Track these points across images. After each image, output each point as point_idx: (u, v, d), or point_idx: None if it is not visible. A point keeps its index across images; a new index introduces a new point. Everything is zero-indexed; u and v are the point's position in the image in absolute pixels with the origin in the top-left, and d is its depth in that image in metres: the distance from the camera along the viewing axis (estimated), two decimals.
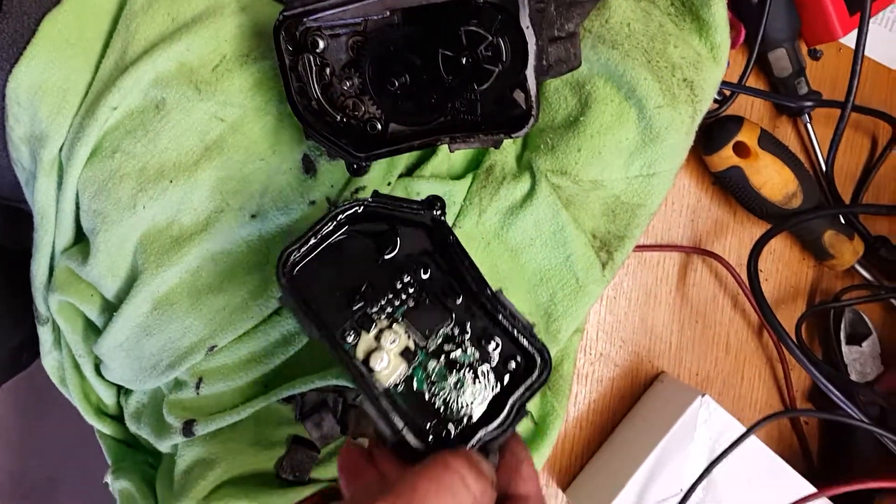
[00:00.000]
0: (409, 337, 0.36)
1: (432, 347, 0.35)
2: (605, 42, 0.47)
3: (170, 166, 0.44)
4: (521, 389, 0.35)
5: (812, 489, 0.48)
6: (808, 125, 0.58)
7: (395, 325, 0.35)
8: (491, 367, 0.35)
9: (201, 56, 0.43)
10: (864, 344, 0.57)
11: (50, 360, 0.52)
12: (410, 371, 0.35)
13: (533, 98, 0.38)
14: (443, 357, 0.35)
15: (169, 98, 0.43)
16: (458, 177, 0.49)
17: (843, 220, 0.58)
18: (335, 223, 0.36)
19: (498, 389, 0.35)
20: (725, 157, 0.53)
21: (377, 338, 0.35)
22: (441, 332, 0.36)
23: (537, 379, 0.35)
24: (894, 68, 0.62)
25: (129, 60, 0.43)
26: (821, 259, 0.58)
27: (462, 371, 0.35)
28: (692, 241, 0.58)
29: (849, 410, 0.49)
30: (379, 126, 0.43)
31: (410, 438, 0.33)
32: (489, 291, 0.35)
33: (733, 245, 0.59)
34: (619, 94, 0.46)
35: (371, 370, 0.34)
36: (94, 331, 0.49)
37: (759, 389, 0.58)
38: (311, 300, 0.35)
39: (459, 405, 0.35)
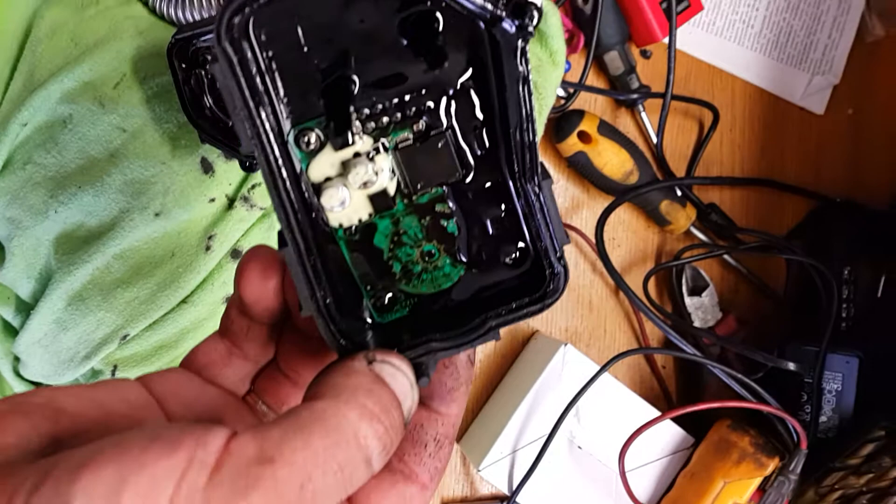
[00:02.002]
0: (392, 177, 0.25)
1: (419, 200, 0.26)
2: None
3: (78, 174, 0.50)
4: (509, 309, 0.25)
5: (657, 413, 0.59)
6: (642, 114, 0.71)
7: (380, 153, 0.25)
8: (482, 254, 0.27)
9: (103, 75, 0.50)
10: (704, 295, 0.69)
11: None
12: (374, 218, 0.25)
13: None
14: (427, 218, 0.26)
15: (75, 113, 0.49)
16: None
17: (678, 192, 0.70)
18: None
19: (478, 286, 0.27)
20: (572, 144, 0.64)
21: (347, 165, 0.24)
22: (439, 187, 0.26)
23: (531, 304, 0.26)
24: (711, 62, 0.75)
25: (37, 82, 0.49)
26: (661, 225, 0.70)
27: (444, 243, 0.26)
28: None
29: (689, 349, 0.61)
30: None
31: (326, 327, 0.24)
32: (537, 170, 0.25)
33: (588, 218, 0.70)
34: None
35: (320, 198, 0.24)
36: (10, 332, 0.54)
37: (619, 340, 0.70)
38: (261, 67, 0.22)
39: (420, 285, 0.26)
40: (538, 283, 0.26)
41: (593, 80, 0.71)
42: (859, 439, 0.60)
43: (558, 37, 0.60)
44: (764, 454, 0.56)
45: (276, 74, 0.23)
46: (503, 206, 0.26)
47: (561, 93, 0.67)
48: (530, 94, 0.24)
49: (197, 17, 0.53)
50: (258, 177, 0.54)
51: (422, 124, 0.25)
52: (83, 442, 0.19)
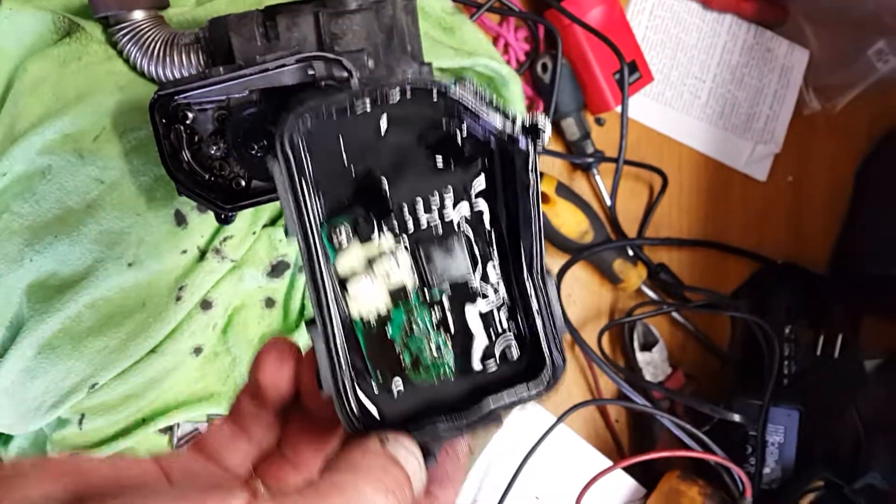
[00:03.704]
0: (412, 272, 0.29)
1: (433, 297, 0.29)
2: None
3: (55, 223, 0.53)
4: (509, 393, 0.28)
5: (609, 463, 0.63)
6: (596, 177, 0.77)
7: (400, 250, 0.29)
8: (488, 345, 0.30)
9: (83, 128, 0.53)
10: (654, 350, 0.75)
11: None
12: (390, 311, 0.29)
13: None
14: (436, 311, 0.29)
15: (54, 164, 0.52)
16: None
17: (630, 252, 0.76)
18: (386, 96, 0.27)
19: (482, 375, 0.30)
20: None
21: (371, 261, 0.28)
22: (452, 283, 0.29)
23: (533, 390, 0.29)
24: (661, 130, 0.82)
25: (18, 133, 0.52)
26: (614, 283, 0.75)
27: (452, 337, 0.29)
28: None
29: (640, 400, 0.65)
30: (243, 183, 0.54)
31: (342, 407, 0.27)
32: (542, 269, 0.29)
33: None
34: None
35: (344, 290, 0.28)
36: None
37: (574, 393, 0.74)
38: (308, 173, 0.27)
39: (431, 372, 0.29)
40: (538, 369, 0.29)
41: (551, 144, 0.77)
42: (800, 490, 0.65)
43: (519, 103, 0.66)
44: (711, 502, 0.61)
45: (317, 176, 0.28)
46: (509, 302, 0.30)
47: None
48: (539, 201, 0.29)
49: (176, 75, 0.57)
50: (230, 230, 0.57)
51: (439, 226, 0.29)
52: (103, 500, 0.22)
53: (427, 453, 0.27)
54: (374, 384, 0.29)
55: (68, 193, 0.53)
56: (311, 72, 0.51)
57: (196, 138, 0.54)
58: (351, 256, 0.28)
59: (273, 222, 0.60)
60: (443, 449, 0.29)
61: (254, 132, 0.53)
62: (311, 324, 0.27)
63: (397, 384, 0.29)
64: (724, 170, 0.84)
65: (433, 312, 0.29)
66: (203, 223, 0.57)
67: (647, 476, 0.67)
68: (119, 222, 0.54)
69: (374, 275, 0.28)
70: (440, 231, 0.29)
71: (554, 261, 0.75)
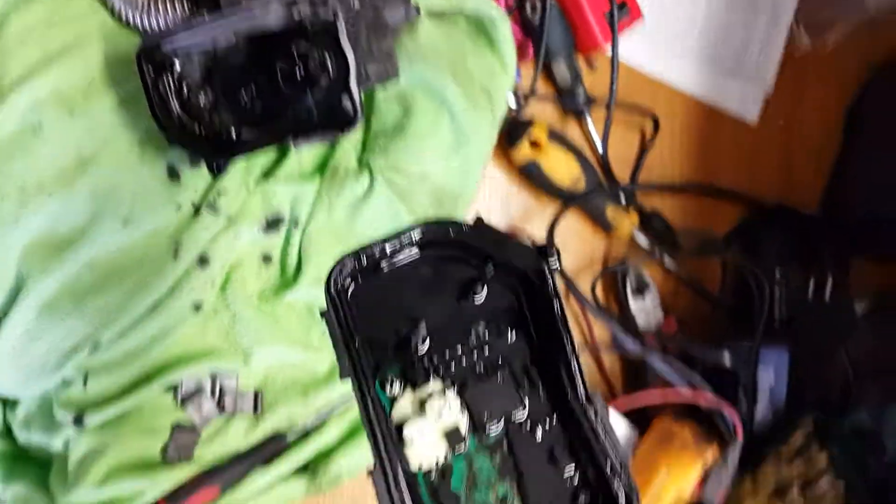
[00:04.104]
0: (463, 412, 0.29)
1: (488, 438, 0.29)
2: (419, 58, 0.61)
3: (48, 181, 0.53)
4: None
5: None
6: (589, 123, 0.77)
7: (448, 391, 0.29)
8: (554, 486, 0.29)
9: (72, 82, 0.53)
10: (646, 296, 0.76)
11: None
12: (451, 460, 0.29)
13: (357, 103, 0.52)
14: (498, 456, 0.29)
15: (45, 121, 0.52)
16: (309, 179, 0.61)
17: (622, 199, 0.76)
18: (413, 242, 0.30)
19: None
20: (523, 152, 0.70)
21: (422, 403, 0.29)
22: (504, 420, 0.29)
23: None
24: (652, 74, 0.82)
25: (5, 91, 0.52)
26: (607, 230, 0.76)
27: (515, 482, 0.29)
28: (508, 224, 0.74)
29: (633, 345, 0.67)
30: (233, 133, 0.54)
31: None
32: (584, 393, 0.29)
33: (538, 224, 0.76)
34: (434, 102, 0.61)
35: (402, 441, 0.29)
36: None
37: None
38: (356, 327, 0.29)
39: None
40: (610, 499, 0.28)
41: (542, 89, 0.77)
42: (790, 431, 0.68)
43: (508, 44, 0.65)
44: (704, 442, 0.63)
45: (362, 328, 0.29)
46: (563, 432, 0.30)
47: (512, 105, 0.72)
48: (565, 322, 0.29)
49: (162, 25, 0.56)
50: (224, 184, 0.57)
51: (482, 365, 0.30)
52: None
53: None
54: None
55: (60, 151, 0.53)
56: (296, 15, 0.51)
57: (184, 88, 0.53)
58: (404, 402, 0.29)
59: (266, 176, 0.60)
60: None
61: (241, 78, 0.53)
62: (371, 473, 0.28)
63: None
64: (715, 114, 0.84)
65: (493, 458, 0.29)
66: (196, 178, 0.57)
67: (640, 421, 0.69)
68: (112, 178, 0.54)
69: (426, 417, 0.29)
70: (482, 369, 0.30)
71: (547, 210, 0.76)
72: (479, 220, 0.30)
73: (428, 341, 0.30)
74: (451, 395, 0.29)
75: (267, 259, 0.61)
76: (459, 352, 0.30)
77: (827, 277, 0.80)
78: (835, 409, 0.71)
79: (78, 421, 0.55)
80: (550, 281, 0.29)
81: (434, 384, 0.29)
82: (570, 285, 0.68)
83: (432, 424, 0.29)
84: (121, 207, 0.55)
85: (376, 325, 0.30)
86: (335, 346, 0.29)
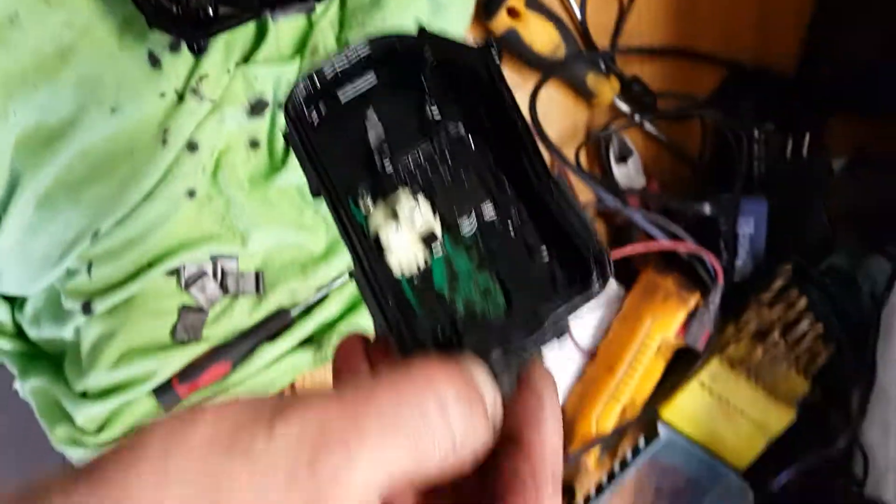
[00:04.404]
0: (435, 215, 0.31)
1: (463, 237, 0.31)
2: None
3: (31, 72, 0.53)
4: (561, 301, 0.29)
5: None
6: None
7: (419, 197, 0.31)
8: (531, 269, 0.31)
9: None
10: (629, 162, 0.78)
11: None
12: (430, 263, 0.30)
13: None
14: (475, 253, 0.31)
15: (21, 11, 0.52)
16: (289, 61, 0.61)
17: (602, 66, 0.77)
18: (362, 58, 0.31)
19: (533, 298, 0.30)
20: (501, 20, 0.70)
21: (394, 212, 0.30)
22: (475, 216, 0.31)
23: (583, 291, 0.29)
24: None
25: None
26: (588, 99, 0.77)
27: (495, 274, 0.30)
28: None
29: (616, 203, 0.69)
30: (210, 10, 0.54)
31: (399, 338, 0.28)
32: (546, 175, 0.30)
33: (520, 96, 0.76)
34: None
35: (381, 251, 0.30)
36: None
37: None
38: (321, 147, 0.30)
39: (484, 312, 0.30)
40: (585, 271, 0.29)
41: None
42: (771, 277, 0.71)
43: None
44: (686, 291, 0.66)
45: (330, 151, 0.30)
46: (534, 219, 0.31)
47: None
48: (516, 107, 0.30)
49: None
50: (205, 69, 0.58)
51: (448, 171, 0.31)
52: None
53: (499, 382, 0.27)
54: (432, 331, 0.30)
55: (40, 41, 0.53)
56: None
57: None
58: (377, 214, 0.31)
59: (246, 59, 0.61)
60: (519, 384, 0.28)
61: None
62: (353, 271, 0.29)
63: (452, 328, 0.30)
64: None
65: (471, 255, 0.31)
66: (176, 63, 0.57)
67: (626, 278, 0.72)
68: (95, 67, 0.55)
69: (400, 223, 0.30)
70: (449, 175, 0.31)
71: (526, 80, 0.77)
72: (422, 30, 0.31)
73: (393, 158, 0.31)
74: (422, 200, 0.31)
75: (254, 144, 0.62)
76: (424, 162, 0.31)
77: (804, 135, 0.81)
78: (814, 256, 0.73)
79: (86, 308, 0.58)
80: (495, 68, 0.30)
81: (403, 192, 0.31)
82: (554, 152, 0.69)
83: (406, 229, 0.30)
84: (106, 97, 0.55)
85: (341, 150, 0.31)
86: (301, 164, 0.30)
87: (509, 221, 0.31)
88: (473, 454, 0.25)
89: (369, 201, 0.31)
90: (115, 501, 0.20)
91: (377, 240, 0.30)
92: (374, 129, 0.31)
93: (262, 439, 0.21)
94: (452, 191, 0.31)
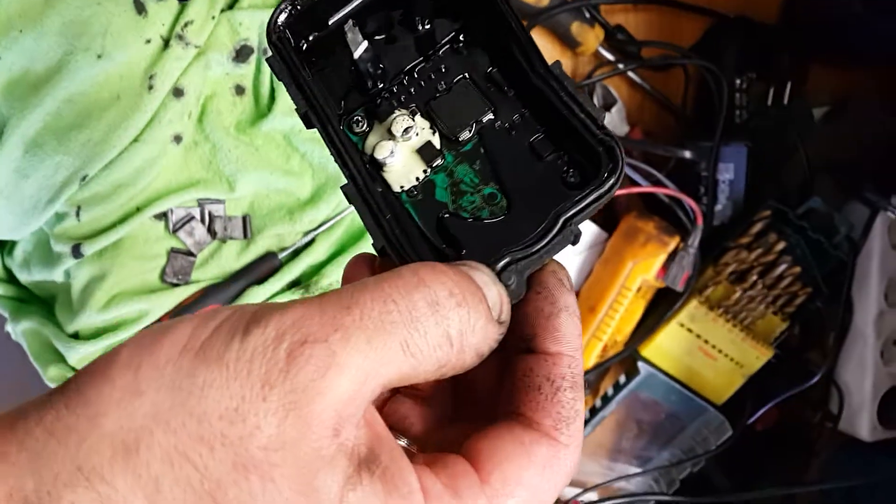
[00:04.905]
0: (433, 131, 0.30)
1: (463, 147, 0.29)
2: None
3: (16, 17, 0.54)
4: (574, 201, 0.27)
5: None
6: None
7: (417, 116, 0.30)
8: (539, 172, 0.29)
9: None
10: (613, 110, 0.79)
11: None
12: (430, 175, 0.29)
13: None
14: (477, 162, 0.29)
15: None
16: (274, 6, 0.62)
17: (587, 14, 0.78)
18: None
19: (541, 200, 0.28)
20: None
21: (390, 130, 0.29)
22: (475, 125, 0.29)
23: (597, 187, 0.27)
24: None
25: None
26: (573, 48, 0.78)
27: (500, 181, 0.29)
28: None
29: None
30: None
31: (399, 253, 0.27)
32: (544, 67, 0.28)
33: None
34: None
35: (379, 167, 0.29)
36: None
37: None
38: (308, 72, 0.29)
39: (491, 218, 0.28)
40: (596, 165, 0.27)
41: None
42: (750, 221, 0.72)
43: None
44: (666, 234, 0.67)
45: (318, 75, 0.30)
46: (539, 122, 0.29)
47: None
48: (509, 5, 0.29)
49: None
50: (190, 15, 0.58)
51: (443, 84, 0.30)
52: None
53: (503, 275, 0.26)
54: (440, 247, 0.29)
55: None
56: None
57: None
58: (373, 135, 0.30)
59: (231, 6, 0.61)
60: (531, 289, 0.27)
61: None
62: (345, 186, 0.28)
63: (458, 242, 0.29)
64: None
65: (473, 164, 0.29)
66: (162, 10, 0.58)
67: (608, 223, 0.73)
68: (80, 12, 0.55)
69: (396, 132, 0.29)
70: (444, 87, 0.30)
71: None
72: None
73: (386, 77, 0.30)
74: (418, 118, 0.30)
75: (240, 90, 0.63)
76: (417, 78, 0.31)
77: (786, 83, 0.82)
78: (793, 201, 0.75)
79: (76, 251, 0.59)
80: None
81: (399, 112, 0.30)
82: None
83: (403, 145, 0.29)
84: (93, 42, 0.56)
85: (330, 73, 0.30)
86: (288, 89, 0.29)
87: (511, 125, 0.30)
88: (476, 352, 0.24)
89: (365, 125, 0.30)
90: (89, 415, 0.20)
91: (373, 159, 0.29)
92: (363, 50, 0.30)
93: (236, 344, 0.21)
94: (450, 103, 0.30)
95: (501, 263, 0.26)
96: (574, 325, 0.26)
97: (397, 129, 0.29)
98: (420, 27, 0.31)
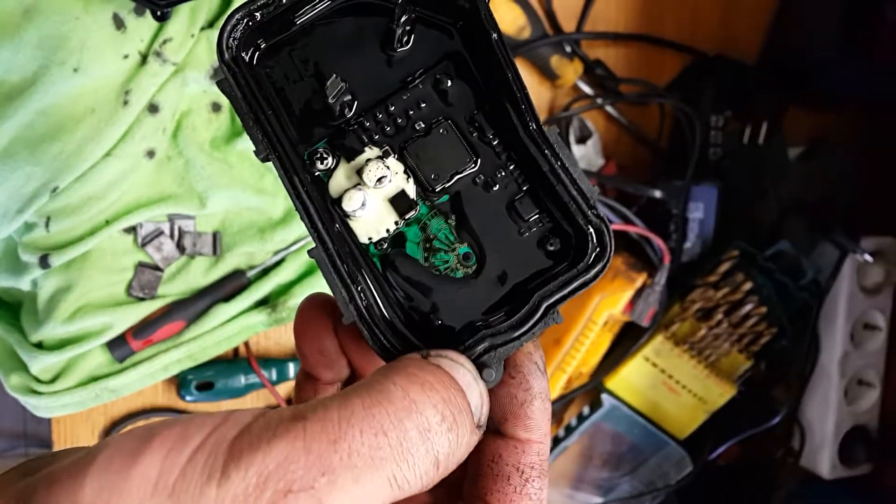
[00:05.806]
0: (407, 178, 0.26)
1: (440, 199, 0.26)
2: None
3: None
4: (556, 283, 0.25)
5: None
6: None
7: (389, 158, 0.26)
8: (520, 242, 0.26)
9: None
10: (589, 143, 0.80)
11: None
12: (402, 227, 0.26)
13: None
14: (453, 217, 0.26)
15: None
16: None
17: (567, 48, 0.79)
18: None
19: (523, 275, 0.26)
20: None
21: (359, 171, 0.26)
22: (456, 179, 0.26)
23: (582, 271, 0.25)
24: None
25: None
26: (552, 80, 0.79)
27: (477, 240, 0.26)
28: None
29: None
30: None
31: (370, 332, 0.25)
32: (539, 130, 0.25)
33: None
34: None
35: (345, 214, 0.26)
36: None
37: None
38: (268, 98, 0.25)
39: (464, 286, 0.26)
40: (582, 251, 0.25)
41: None
42: (717, 259, 0.73)
43: None
44: (634, 271, 0.68)
45: (278, 99, 0.26)
46: (525, 181, 0.26)
47: None
48: (506, 52, 0.26)
49: None
50: (170, 32, 0.59)
51: (421, 122, 0.27)
52: None
53: (481, 368, 0.24)
54: (406, 311, 0.26)
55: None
56: None
57: None
58: (340, 176, 0.26)
59: (211, 24, 0.62)
60: (506, 374, 0.26)
61: None
62: (312, 251, 0.25)
63: (432, 306, 0.26)
64: None
65: (449, 219, 0.27)
66: (141, 27, 0.58)
67: None
68: (59, 27, 0.55)
69: (367, 181, 0.25)
70: (422, 127, 0.27)
71: None
72: None
73: (356, 105, 0.26)
74: (391, 160, 0.26)
75: (216, 107, 0.63)
76: (393, 111, 0.26)
77: (762, 123, 0.84)
78: (762, 242, 0.76)
79: (44, 261, 0.59)
80: (484, 7, 0.25)
81: (370, 151, 0.26)
82: None
83: (374, 192, 0.26)
84: (70, 57, 0.56)
85: (292, 94, 0.26)
86: (241, 119, 0.25)
87: (492, 180, 0.27)
88: (457, 464, 0.23)
89: (330, 161, 0.26)
90: None
91: (339, 203, 0.26)
92: (333, 77, 0.25)
93: (212, 490, 0.19)
94: (429, 149, 0.26)
95: (480, 348, 0.25)
96: (545, 411, 0.26)
97: (370, 177, 0.25)
98: (397, 45, 0.27)
